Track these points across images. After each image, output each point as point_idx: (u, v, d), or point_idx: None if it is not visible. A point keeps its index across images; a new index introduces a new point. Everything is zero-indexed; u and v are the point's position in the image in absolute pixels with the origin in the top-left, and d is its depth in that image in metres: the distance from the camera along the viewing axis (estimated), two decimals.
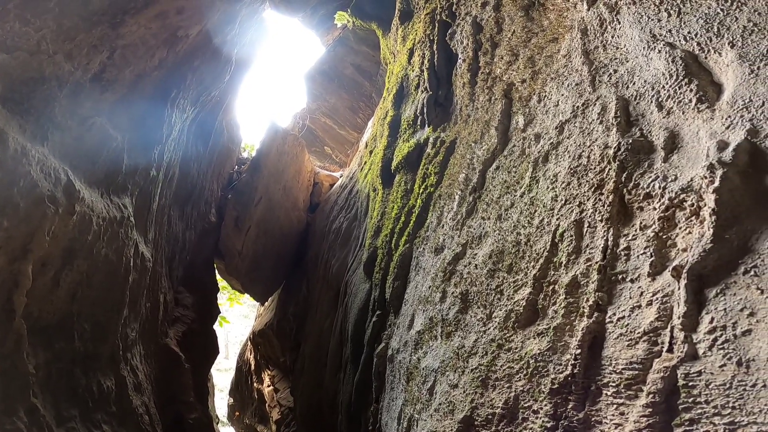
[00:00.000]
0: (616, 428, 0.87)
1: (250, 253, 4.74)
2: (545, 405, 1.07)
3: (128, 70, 2.22)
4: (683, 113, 0.97)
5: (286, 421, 5.41)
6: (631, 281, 0.96)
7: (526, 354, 1.19)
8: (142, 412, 2.64)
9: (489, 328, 1.39)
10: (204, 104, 3.39)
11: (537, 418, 1.09)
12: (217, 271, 5.07)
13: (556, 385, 1.05)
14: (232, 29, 3.15)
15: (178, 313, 3.92)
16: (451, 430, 1.41)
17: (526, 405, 1.14)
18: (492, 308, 1.41)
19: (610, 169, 1.12)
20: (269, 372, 6.42)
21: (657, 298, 0.87)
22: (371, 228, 3.12)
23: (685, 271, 0.81)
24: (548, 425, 1.05)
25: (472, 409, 1.34)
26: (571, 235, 1.15)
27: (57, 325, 2.02)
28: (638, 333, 0.88)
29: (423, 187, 2.43)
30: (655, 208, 0.96)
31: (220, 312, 4.99)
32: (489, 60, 2.03)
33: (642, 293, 0.91)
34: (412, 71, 3.16)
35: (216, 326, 4.91)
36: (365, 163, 4.12)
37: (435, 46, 2.69)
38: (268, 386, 6.25)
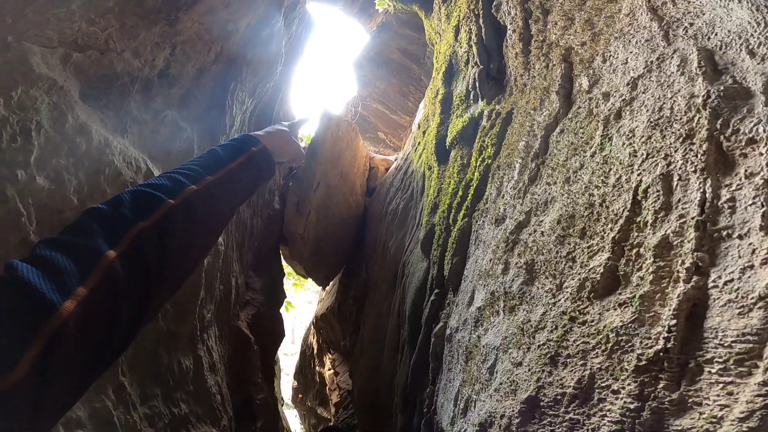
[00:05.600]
0: (721, 410, 0.74)
1: (311, 237, 4.87)
2: (628, 384, 0.94)
3: (190, 65, 2.33)
4: None
5: (345, 403, 5.57)
6: (739, 237, 0.82)
7: (604, 327, 1.07)
8: (215, 391, 2.74)
9: (559, 300, 1.29)
10: (261, 96, 3.50)
11: (617, 398, 0.97)
12: (282, 257, 5.28)
13: (644, 362, 0.92)
14: (277, 21, 3.21)
15: (248, 297, 4.11)
16: (513, 411, 1.31)
17: (603, 384, 1.02)
18: (562, 278, 1.30)
19: (700, 117, 0.98)
20: (330, 355, 6.61)
21: None
22: (428, 206, 3.06)
23: None
24: (631, 406, 0.92)
25: (537, 388, 1.23)
26: (658, 191, 1.02)
27: None
28: (752, 298, 0.75)
29: (480, 159, 2.34)
30: (761, 153, 0.82)
31: (286, 296, 5.20)
32: (541, 27, 1.92)
33: (754, 250, 0.78)
34: (460, 48, 3.06)
35: (282, 310, 5.12)
36: (418, 143, 4.07)
37: (481, 20, 2.59)
38: (329, 370, 6.46)
